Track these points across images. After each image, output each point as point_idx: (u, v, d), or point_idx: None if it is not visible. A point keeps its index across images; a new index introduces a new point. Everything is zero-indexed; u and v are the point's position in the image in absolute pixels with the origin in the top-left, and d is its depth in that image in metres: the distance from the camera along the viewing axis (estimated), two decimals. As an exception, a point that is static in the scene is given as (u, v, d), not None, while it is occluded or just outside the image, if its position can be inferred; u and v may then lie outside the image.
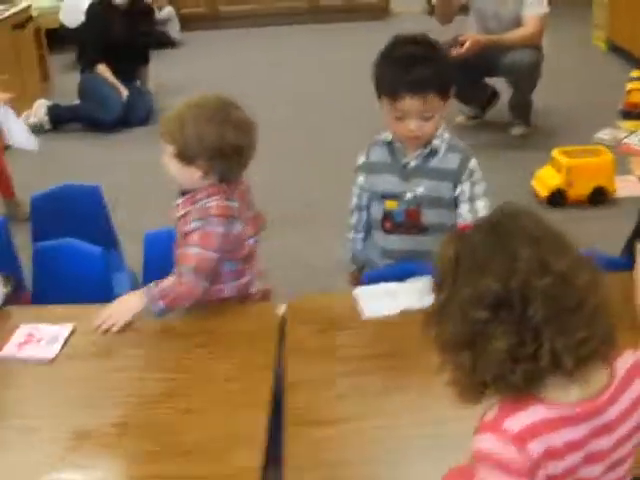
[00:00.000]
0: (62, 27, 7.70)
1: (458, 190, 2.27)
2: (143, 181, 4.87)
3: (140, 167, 5.03)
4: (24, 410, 1.87)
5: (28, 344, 2.09)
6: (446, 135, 2.31)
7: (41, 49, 6.96)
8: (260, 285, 2.39)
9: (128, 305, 2.17)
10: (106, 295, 2.42)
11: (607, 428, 1.30)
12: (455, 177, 2.29)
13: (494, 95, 5.70)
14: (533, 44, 5.12)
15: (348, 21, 9.07)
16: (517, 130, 5.42)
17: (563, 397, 1.27)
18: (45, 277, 2.67)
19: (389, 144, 2.34)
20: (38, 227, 3.10)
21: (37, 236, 3.02)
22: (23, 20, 6.57)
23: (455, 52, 5.02)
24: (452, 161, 2.29)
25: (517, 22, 5.14)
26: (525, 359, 1.23)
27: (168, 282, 2.17)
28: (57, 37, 7.70)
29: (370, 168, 2.37)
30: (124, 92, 6.03)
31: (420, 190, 2.28)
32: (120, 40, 6.08)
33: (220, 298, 2.28)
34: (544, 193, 4.43)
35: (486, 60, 5.12)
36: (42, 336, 2.11)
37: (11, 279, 2.37)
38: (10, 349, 2.08)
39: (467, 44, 4.98)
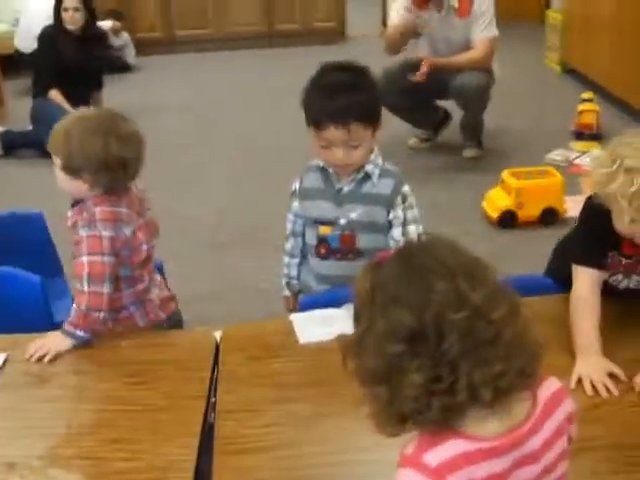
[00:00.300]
0: (17, 52, 7.66)
1: (391, 215, 2.28)
2: None
3: None
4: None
5: (-42, 374, 2.07)
6: (379, 160, 2.32)
7: (-6, 75, 6.93)
8: (160, 293, 2.42)
9: (61, 341, 2.16)
10: (45, 323, 2.41)
11: (531, 458, 1.30)
12: (388, 202, 2.29)
13: (446, 117, 5.74)
14: (483, 67, 5.17)
15: (304, 45, 9.11)
16: (469, 152, 5.46)
17: (483, 430, 1.26)
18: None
19: (322, 170, 2.34)
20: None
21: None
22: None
23: (415, 77, 5.05)
24: (385, 186, 2.29)
25: (467, 45, 5.19)
26: (441, 393, 1.22)
27: (73, 310, 2.19)
28: (12, 62, 7.66)
29: (304, 194, 2.37)
30: (76, 117, 5.99)
31: (353, 215, 2.28)
32: (72, 65, 6.04)
33: (120, 306, 2.33)
34: (495, 214, 4.47)
35: (436, 82, 5.15)
36: (-28, 365, 2.09)
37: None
38: (-61, 380, 2.05)
39: (424, 68, 5.01)
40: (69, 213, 2.31)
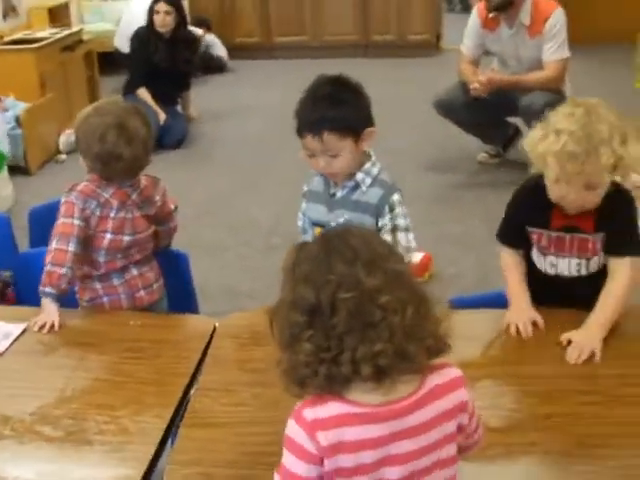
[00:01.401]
0: (116, 51, 8.04)
1: (380, 223, 2.36)
2: (174, 196, 5.12)
3: (171, 188, 5.26)
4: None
5: (-18, 339, 2.30)
6: (375, 170, 2.39)
7: (91, 71, 7.30)
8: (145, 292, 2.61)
9: (51, 311, 2.38)
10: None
11: (410, 432, 1.43)
12: (376, 211, 2.36)
13: (516, 134, 5.79)
14: (552, 87, 5.21)
15: (399, 56, 9.25)
16: (535, 169, 5.48)
17: (363, 399, 1.42)
18: (27, 281, 2.88)
19: (324, 175, 2.46)
20: (36, 235, 3.32)
21: (34, 243, 3.25)
22: (73, 43, 6.91)
23: (472, 89, 5.17)
24: (374, 195, 2.36)
25: (538, 62, 5.25)
26: (328, 362, 1.39)
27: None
28: (112, 60, 8.04)
29: (308, 196, 2.51)
30: (162, 116, 6.29)
31: (342, 221, 2.37)
32: (161, 66, 6.37)
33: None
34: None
35: (506, 99, 5.24)
36: (-4, 332, 2.32)
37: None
38: (-35, 343, 2.29)
39: (476, 84, 5.13)
40: None
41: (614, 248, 2.25)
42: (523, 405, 1.96)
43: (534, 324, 2.24)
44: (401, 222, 2.35)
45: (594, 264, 2.29)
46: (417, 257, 3.96)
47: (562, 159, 2.06)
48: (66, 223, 2.44)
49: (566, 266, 2.31)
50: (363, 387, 1.41)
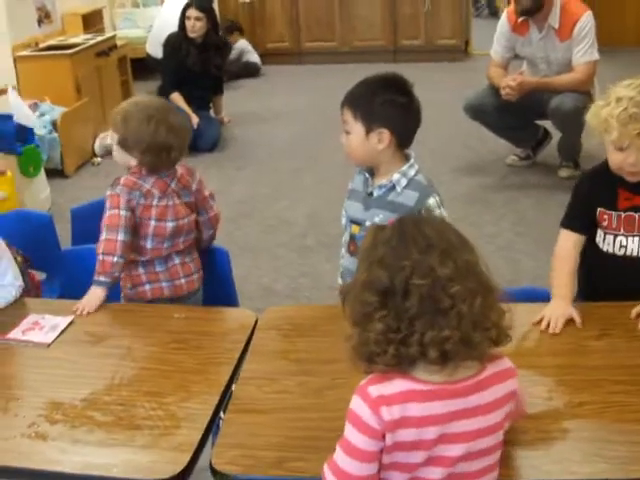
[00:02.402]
0: (148, 56, 8.15)
1: None
2: None
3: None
4: (13, 383, 2.18)
5: (32, 330, 2.39)
6: (411, 172, 2.44)
7: (125, 76, 7.43)
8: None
9: (94, 297, 2.51)
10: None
11: (469, 413, 1.51)
12: (411, 213, 2.37)
13: (545, 136, 5.83)
14: (582, 89, 5.24)
15: (428, 61, 9.30)
16: (564, 172, 5.53)
17: (427, 377, 1.50)
18: (70, 278, 2.98)
19: (364, 173, 2.53)
20: (78, 233, 3.42)
21: (76, 241, 3.36)
22: (107, 48, 7.05)
23: (504, 94, 5.22)
24: (410, 198, 2.41)
25: (568, 65, 5.30)
26: (397, 342, 1.47)
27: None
28: (144, 66, 8.15)
29: (349, 194, 2.57)
30: (195, 120, 6.37)
31: (377, 220, 2.40)
32: (193, 70, 6.46)
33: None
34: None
35: (536, 102, 5.29)
36: (45, 324, 2.41)
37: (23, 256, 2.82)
38: (15, 333, 2.37)
39: (507, 88, 5.18)
40: None
41: None
42: (556, 394, 2.01)
43: (571, 320, 2.30)
44: None
45: None
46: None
47: (624, 121, 2.21)
48: (113, 215, 2.57)
49: (636, 245, 2.39)
50: (428, 368, 1.49)
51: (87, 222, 3.43)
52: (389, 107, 2.39)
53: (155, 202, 2.63)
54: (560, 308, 2.32)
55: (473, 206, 5.17)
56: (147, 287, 2.69)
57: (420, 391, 1.48)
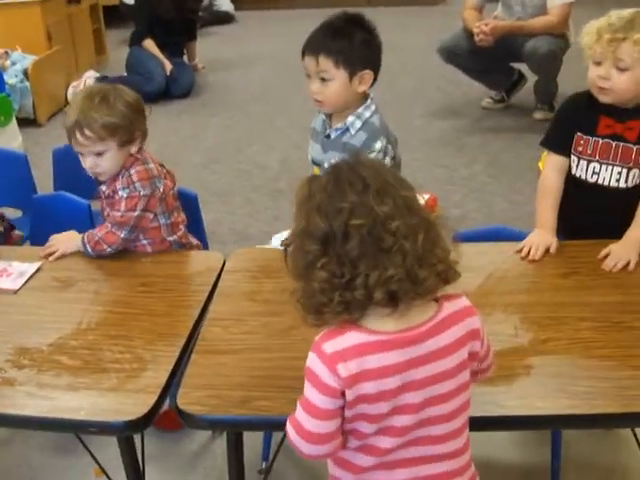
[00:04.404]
0: (121, 3, 8.04)
1: None
2: (182, 145, 5.34)
3: (179, 136, 5.55)
4: (-20, 329, 2.17)
5: (-1, 277, 2.38)
6: (366, 113, 2.42)
7: (97, 24, 7.33)
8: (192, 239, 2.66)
9: (68, 241, 2.49)
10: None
11: (426, 358, 1.49)
12: None
13: (520, 79, 5.81)
14: (556, 32, 5.22)
15: (403, 5, 9.22)
16: (539, 114, 5.54)
17: (380, 326, 1.47)
18: (40, 224, 2.96)
19: (326, 114, 2.51)
20: (59, 175, 3.40)
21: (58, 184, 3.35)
22: (78, -5, 6.94)
23: (478, 40, 5.19)
24: (358, 139, 2.41)
25: (543, 8, 5.26)
26: (342, 288, 1.44)
27: (97, 228, 2.48)
28: (117, 13, 8.04)
29: (312, 133, 2.56)
30: (168, 66, 6.32)
31: (332, 162, 2.40)
32: (167, 16, 6.38)
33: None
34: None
35: (511, 45, 5.27)
36: (12, 271, 2.40)
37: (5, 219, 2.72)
38: (-18, 281, 2.37)
39: (481, 35, 5.16)
40: (103, 188, 2.56)
41: None
42: (522, 331, 2.02)
43: (547, 250, 2.34)
44: None
45: (633, 177, 2.39)
46: (422, 199, 4.01)
47: (602, 29, 2.26)
48: (128, 216, 2.45)
49: (608, 174, 2.40)
50: (379, 313, 1.46)
51: (69, 164, 3.40)
52: (367, 47, 2.37)
53: (163, 171, 2.54)
54: (541, 237, 2.37)
55: (446, 149, 5.17)
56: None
57: (375, 342, 1.46)
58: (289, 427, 1.54)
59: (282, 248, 1.56)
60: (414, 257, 1.44)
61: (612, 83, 2.30)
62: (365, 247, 1.42)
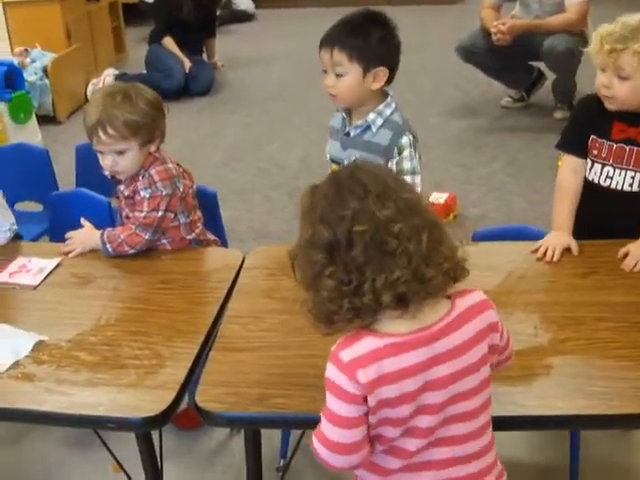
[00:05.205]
0: (141, 1, 8.05)
1: (390, 165, 2.38)
2: (202, 142, 5.33)
3: (199, 133, 5.53)
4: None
5: (19, 273, 2.39)
6: (388, 111, 2.42)
7: (116, 21, 7.35)
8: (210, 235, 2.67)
9: (86, 239, 2.50)
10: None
11: (446, 356, 1.48)
12: (385, 153, 2.39)
13: (539, 78, 5.79)
14: (575, 29, 5.19)
15: (423, 3, 9.20)
16: (558, 114, 5.50)
17: (393, 329, 1.47)
18: (60, 220, 2.97)
19: (344, 112, 2.51)
20: (82, 171, 3.42)
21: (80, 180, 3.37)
22: (97, -7, 6.97)
23: (495, 39, 5.18)
24: (383, 137, 2.40)
25: (560, 4, 5.24)
26: (350, 295, 1.44)
27: (120, 229, 2.47)
28: (137, 11, 8.06)
29: (330, 131, 2.56)
30: (187, 64, 6.34)
31: (351, 159, 2.38)
32: (187, 15, 6.39)
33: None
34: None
35: (529, 44, 5.24)
36: (32, 267, 2.41)
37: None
38: (2, 277, 2.38)
39: (499, 34, 5.14)
40: (121, 188, 2.55)
41: None
42: (541, 330, 2.02)
43: (568, 250, 2.33)
44: (407, 165, 2.37)
45: None
46: (441, 198, 4.02)
47: (604, 38, 2.26)
48: (151, 216, 2.46)
49: (621, 179, 2.39)
50: (390, 316, 1.46)
51: (91, 160, 3.41)
52: (384, 44, 2.37)
53: (181, 170, 2.55)
54: (558, 238, 2.36)
55: (465, 148, 5.15)
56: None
57: (391, 345, 1.45)
58: (315, 441, 1.53)
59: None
60: (420, 257, 1.44)
61: (614, 91, 2.30)
62: (370, 252, 1.43)
